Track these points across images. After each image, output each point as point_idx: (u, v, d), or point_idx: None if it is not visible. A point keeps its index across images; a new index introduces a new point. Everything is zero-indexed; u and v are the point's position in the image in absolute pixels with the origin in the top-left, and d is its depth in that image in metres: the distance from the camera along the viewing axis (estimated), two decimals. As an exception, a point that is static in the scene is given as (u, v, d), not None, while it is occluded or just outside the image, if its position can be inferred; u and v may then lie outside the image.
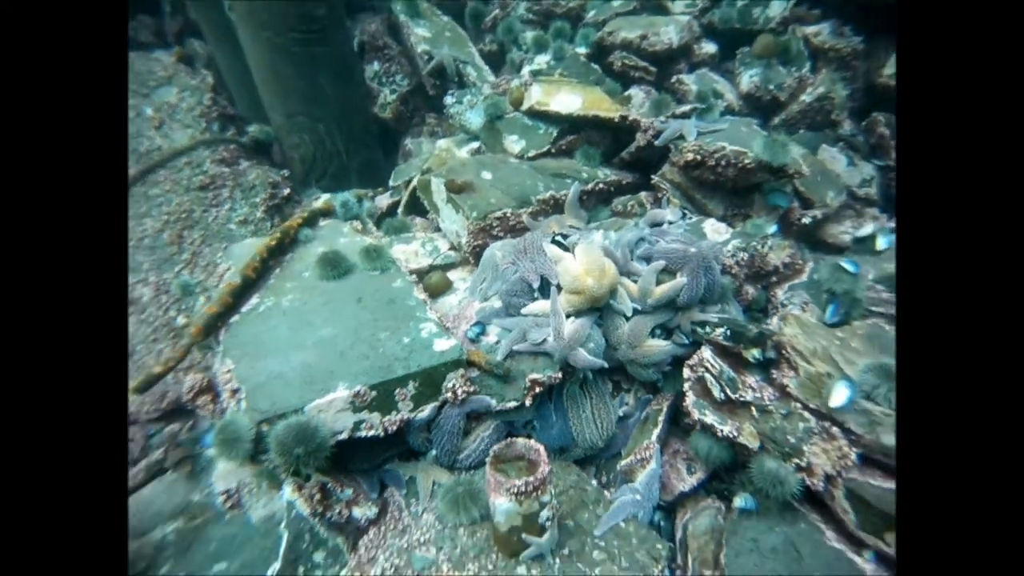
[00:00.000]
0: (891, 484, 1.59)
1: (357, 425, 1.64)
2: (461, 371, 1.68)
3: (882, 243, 2.49)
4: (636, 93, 3.07)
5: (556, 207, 2.35)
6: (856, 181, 2.96)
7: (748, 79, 3.13)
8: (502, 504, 1.43)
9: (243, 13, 3.28)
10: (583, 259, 1.69)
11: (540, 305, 1.74)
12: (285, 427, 1.53)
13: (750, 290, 2.22)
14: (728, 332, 1.73)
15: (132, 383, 1.81)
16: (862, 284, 2.26)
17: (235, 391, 1.73)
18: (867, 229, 2.61)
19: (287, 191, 3.29)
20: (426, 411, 1.69)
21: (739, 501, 1.74)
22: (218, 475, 2.11)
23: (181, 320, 2.88)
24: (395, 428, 1.65)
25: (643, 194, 2.55)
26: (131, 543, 2.02)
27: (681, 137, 2.40)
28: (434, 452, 1.81)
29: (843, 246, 2.72)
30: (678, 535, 1.79)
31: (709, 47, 3.33)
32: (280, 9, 3.24)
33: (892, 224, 2.67)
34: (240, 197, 3.19)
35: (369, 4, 4.32)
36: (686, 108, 2.72)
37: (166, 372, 1.85)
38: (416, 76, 3.64)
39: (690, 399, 1.71)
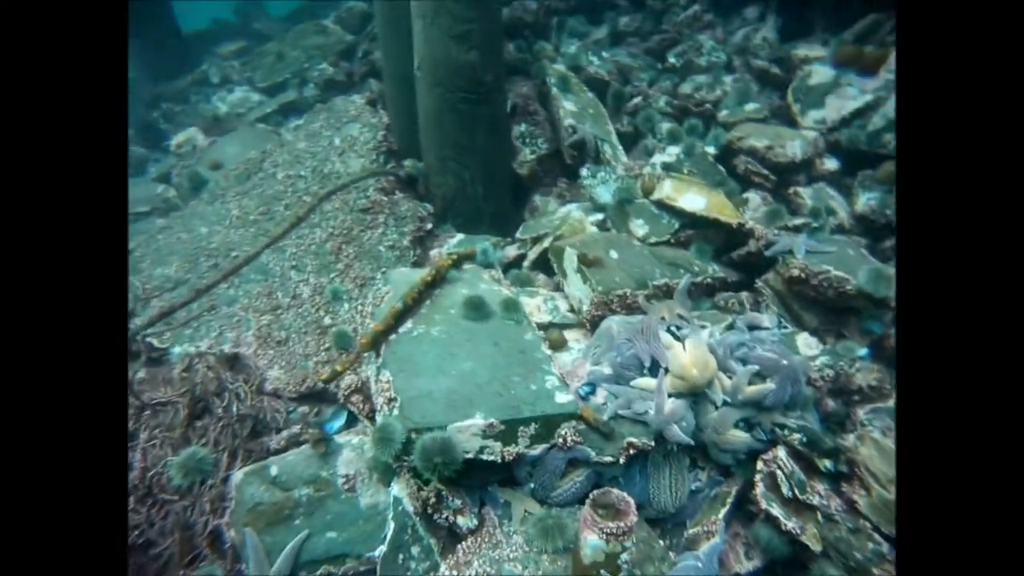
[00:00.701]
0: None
1: (482, 449, 2.04)
2: (573, 423, 2.06)
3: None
4: (753, 197, 3.37)
5: (667, 293, 2.70)
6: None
7: (865, 201, 3.36)
8: (592, 540, 1.77)
9: (426, 71, 3.89)
10: (692, 352, 2.03)
11: (647, 381, 2.09)
12: (431, 439, 1.96)
13: (830, 403, 2.46)
14: (804, 438, 2.00)
15: (321, 376, 2.32)
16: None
17: (391, 400, 2.18)
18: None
19: (430, 226, 3.84)
20: (538, 450, 2.07)
21: (790, 592, 1.99)
22: (343, 460, 2.59)
23: (328, 320, 3.42)
24: (511, 458, 2.04)
25: (744, 294, 2.84)
26: (278, 494, 2.50)
27: (790, 251, 2.69)
28: (532, 485, 2.18)
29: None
30: (729, 609, 2.06)
31: (831, 164, 3.59)
32: (456, 73, 3.82)
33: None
34: (392, 224, 3.76)
35: (524, 68, 4.89)
36: (799, 222, 3.00)
37: (344, 371, 2.36)
38: (556, 142, 4.12)
39: (759, 489, 1.99)
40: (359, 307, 3.20)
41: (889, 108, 3.42)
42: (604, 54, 5.05)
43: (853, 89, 3.58)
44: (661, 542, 2.12)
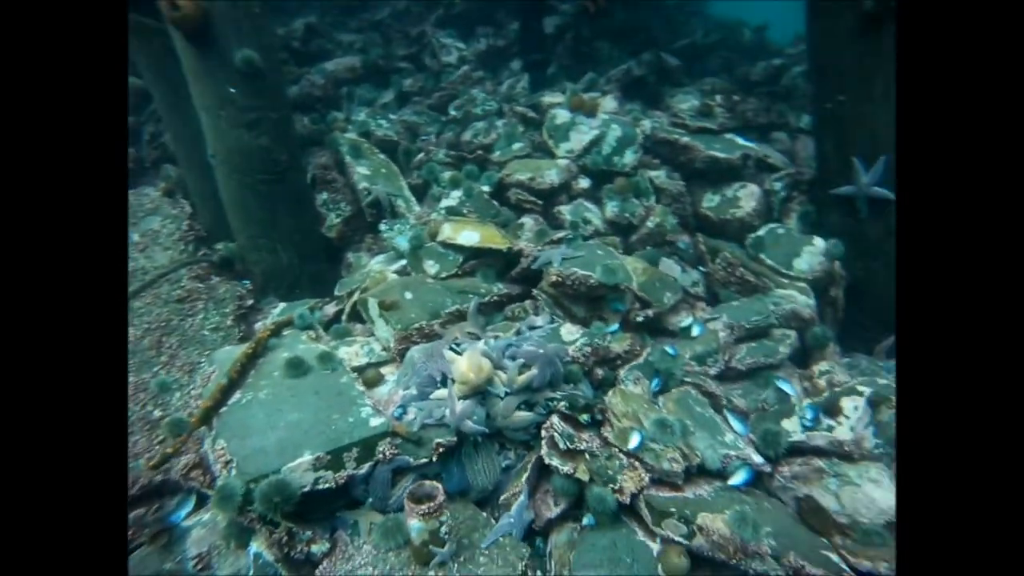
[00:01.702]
0: (672, 494, 2.47)
1: (317, 480, 2.39)
2: (388, 439, 2.49)
3: (696, 331, 3.50)
4: (527, 221, 4.09)
5: (461, 317, 3.25)
6: (688, 283, 4.03)
7: (610, 208, 4.24)
8: (415, 524, 2.20)
9: (221, 160, 4.14)
10: (468, 361, 2.56)
11: (442, 392, 2.59)
12: (268, 483, 2.26)
13: (600, 372, 3.16)
14: (567, 404, 2.63)
15: (151, 463, 2.49)
16: (680, 362, 3.23)
17: (227, 463, 2.44)
18: (687, 320, 3.61)
19: (250, 302, 4.07)
20: (364, 468, 2.46)
21: (584, 519, 2.57)
22: (193, 541, 2.73)
23: (157, 413, 3.48)
24: (343, 481, 2.41)
25: (527, 302, 3.50)
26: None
27: (550, 262, 3.38)
28: (371, 500, 2.56)
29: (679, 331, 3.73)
30: (548, 549, 2.59)
31: (584, 183, 4.45)
32: (251, 158, 4.11)
33: (705, 315, 3.70)
34: (213, 308, 3.94)
35: (320, 139, 5.30)
36: (559, 235, 3.74)
37: (175, 453, 2.55)
38: (357, 204, 4.57)
39: (544, 451, 2.57)
40: (191, 392, 3.35)
41: (612, 137, 4.38)
42: (392, 116, 5.63)
43: (584, 126, 4.49)
44: (484, 514, 2.61)
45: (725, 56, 7.43)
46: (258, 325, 3.88)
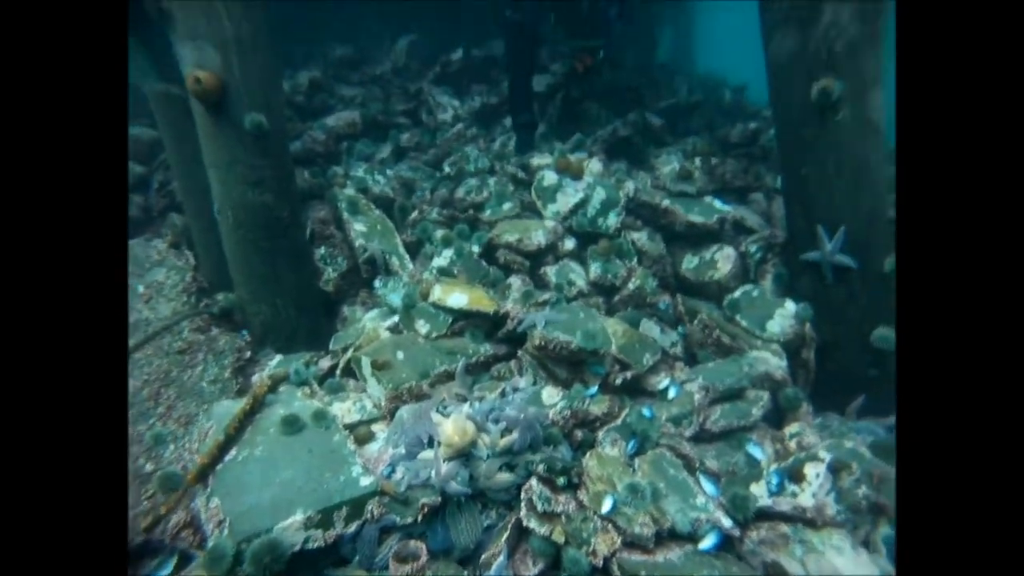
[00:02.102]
0: (643, 557, 2.61)
1: (307, 539, 2.52)
2: (377, 498, 2.63)
3: (672, 393, 3.68)
4: (515, 281, 4.31)
5: (449, 377, 3.43)
6: (668, 344, 4.24)
7: (594, 270, 4.47)
8: (398, 585, 2.33)
9: (225, 215, 4.36)
10: (453, 424, 2.74)
11: (428, 453, 2.75)
12: (259, 543, 2.40)
13: (579, 434, 3.32)
14: (545, 467, 2.79)
15: (144, 523, 2.60)
16: (656, 424, 3.41)
17: (220, 522, 2.56)
18: (664, 382, 3.80)
19: (248, 354, 4.23)
20: (353, 527, 2.60)
21: (560, 581, 2.70)
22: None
23: (149, 466, 3.56)
24: (332, 540, 2.55)
25: (512, 363, 3.68)
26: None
27: (534, 325, 3.58)
28: (358, 558, 2.69)
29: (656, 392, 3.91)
30: (525, 609, 2.71)
31: (570, 244, 4.69)
32: (255, 214, 4.33)
33: (683, 376, 3.89)
34: (212, 360, 4.09)
35: (320, 193, 5.55)
36: (544, 297, 3.95)
37: (169, 512, 2.68)
38: (354, 259, 4.78)
39: (523, 512, 2.72)
40: (186, 445, 3.47)
41: (596, 200, 4.65)
42: (389, 171, 5.90)
43: (571, 188, 4.76)
44: (465, 572, 2.73)
45: (707, 116, 7.84)
46: (255, 377, 4.03)
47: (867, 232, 4.09)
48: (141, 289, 4.43)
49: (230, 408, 3.23)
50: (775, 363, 4.08)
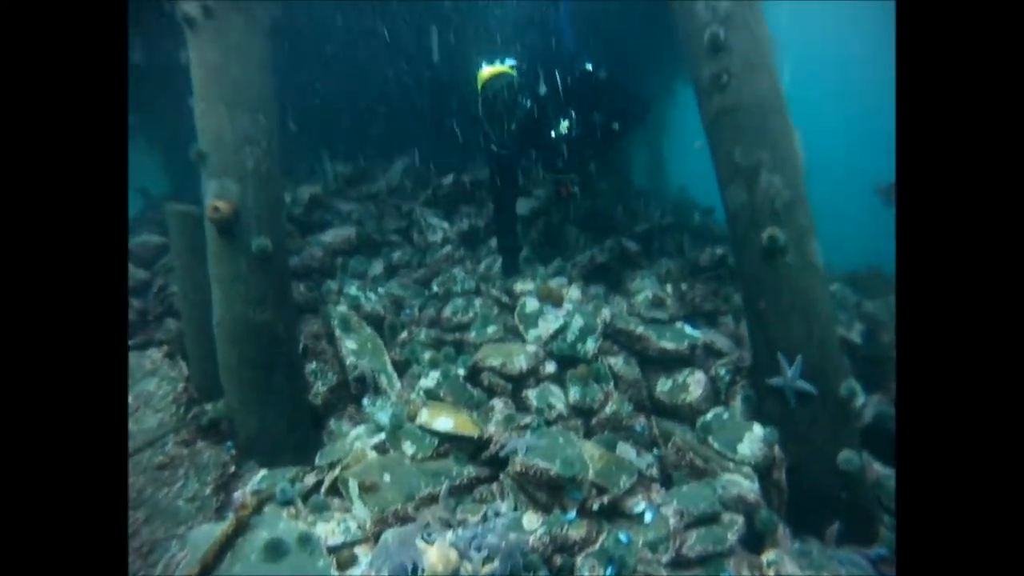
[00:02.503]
0: None
1: (286, 674, 2.52)
2: (358, 630, 2.67)
3: (648, 517, 3.80)
4: (498, 404, 4.51)
5: (433, 499, 3.54)
6: (644, 466, 4.40)
7: (573, 394, 4.71)
8: None
9: (224, 329, 4.56)
10: (436, 553, 2.84)
11: (412, 583, 2.83)
12: None
13: (558, 559, 3.40)
14: (525, 596, 2.87)
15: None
16: (633, 550, 3.50)
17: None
18: (640, 506, 3.93)
19: (233, 468, 4.28)
20: (333, 661, 2.61)
21: None
22: None
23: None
24: (311, 676, 2.55)
25: (495, 485, 3.80)
26: None
27: (515, 451, 3.75)
28: None
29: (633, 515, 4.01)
30: None
31: (550, 367, 4.96)
32: (253, 330, 4.56)
33: (659, 498, 4.01)
34: (193, 475, 4.12)
35: (314, 307, 5.83)
36: (526, 421, 4.15)
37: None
38: (343, 374, 4.97)
39: (503, 645, 2.76)
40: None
41: (575, 327, 5.01)
42: (380, 289, 6.25)
43: (551, 315, 5.12)
44: None
45: (678, 238, 8.46)
46: (237, 494, 4.06)
47: (821, 360, 4.47)
48: (130, 400, 4.53)
49: (209, 533, 3.26)
50: (747, 486, 4.24)
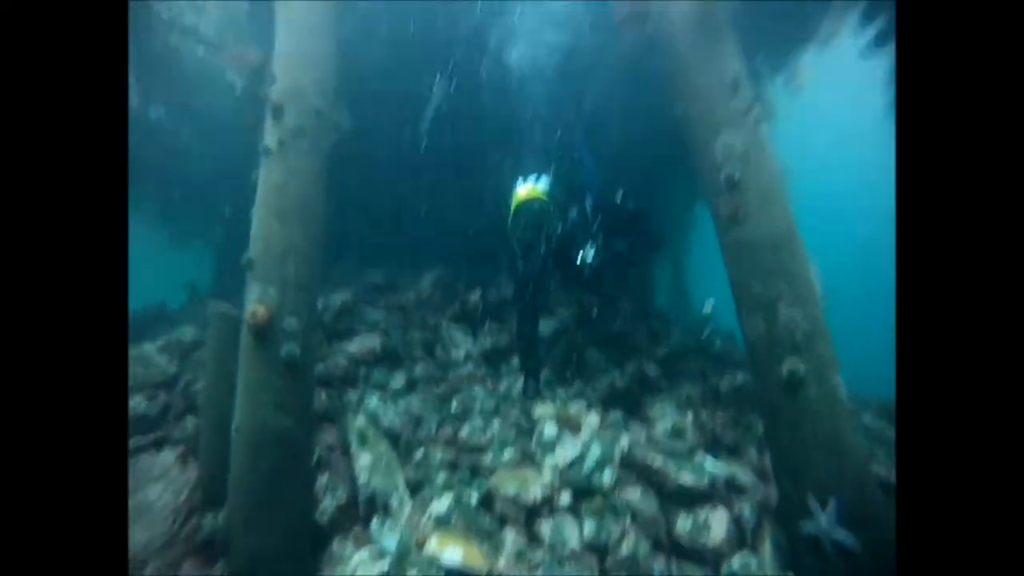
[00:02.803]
0: None
1: None
2: None
3: None
4: (509, 535, 4.35)
5: (434, 643, 3.33)
6: (664, 617, 4.09)
7: (588, 530, 4.52)
8: None
9: (244, 434, 4.56)
10: None
11: None
12: None
13: None
14: None
15: None
16: None
17: None
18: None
19: (222, 596, 4.11)
20: None
21: None
22: None
23: None
24: None
25: (504, 625, 3.57)
26: None
27: (527, 591, 3.56)
28: None
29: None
30: None
31: (565, 497, 4.80)
32: (272, 438, 4.55)
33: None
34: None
35: (333, 416, 5.84)
36: (536, 560, 3.97)
37: None
38: (354, 491, 4.88)
39: None
40: None
41: (592, 457, 4.91)
42: (400, 402, 6.26)
43: (569, 443, 5.05)
44: None
45: (700, 362, 8.38)
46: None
47: (860, 503, 4.15)
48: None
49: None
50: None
